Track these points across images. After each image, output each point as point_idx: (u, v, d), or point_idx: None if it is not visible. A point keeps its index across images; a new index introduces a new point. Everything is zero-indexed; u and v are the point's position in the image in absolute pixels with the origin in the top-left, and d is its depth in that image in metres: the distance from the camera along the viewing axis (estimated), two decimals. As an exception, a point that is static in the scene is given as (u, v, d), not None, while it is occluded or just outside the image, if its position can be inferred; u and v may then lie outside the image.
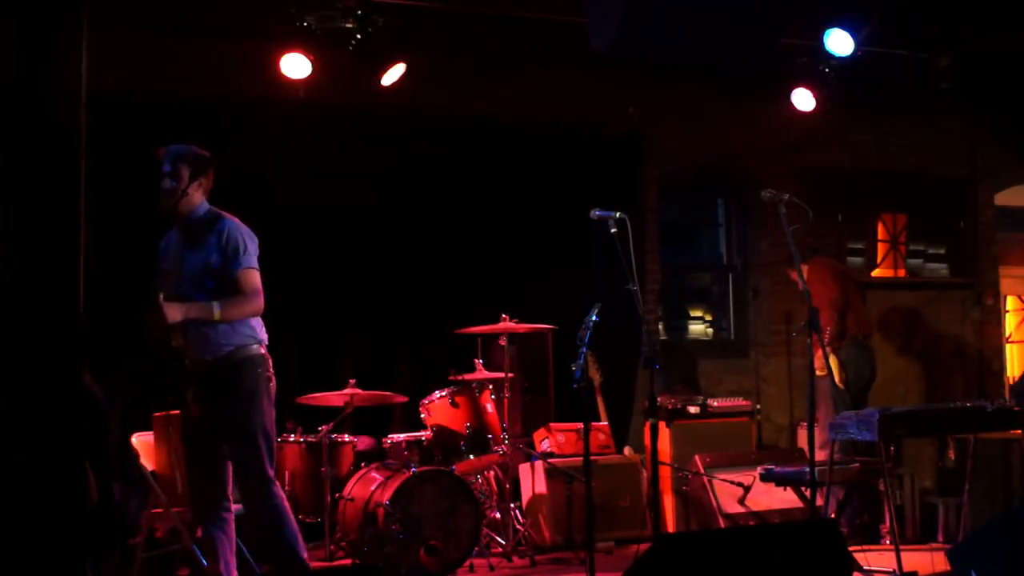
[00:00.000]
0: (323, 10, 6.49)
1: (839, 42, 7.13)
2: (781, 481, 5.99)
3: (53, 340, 3.04)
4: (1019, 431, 6.41)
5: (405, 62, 6.94)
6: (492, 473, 6.76)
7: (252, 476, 4.69)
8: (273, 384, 4.81)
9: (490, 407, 6.50)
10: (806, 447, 5.68)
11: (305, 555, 4.77)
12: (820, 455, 6.13)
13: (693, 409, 7.38)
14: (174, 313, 4.57)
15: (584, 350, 4.97)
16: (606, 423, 7.38)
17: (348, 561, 6.21)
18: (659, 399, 5.97)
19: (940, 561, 5.65)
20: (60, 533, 3.02)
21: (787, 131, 8.38)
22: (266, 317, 4.85)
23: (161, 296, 4.57)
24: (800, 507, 6.33)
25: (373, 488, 6.03)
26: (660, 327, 8.72)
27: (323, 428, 6.30)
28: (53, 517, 3.01)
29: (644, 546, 4.11)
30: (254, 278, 4.74)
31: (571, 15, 6.16)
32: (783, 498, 6.48)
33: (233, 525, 4.82)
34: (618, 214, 5.14)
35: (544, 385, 7.69)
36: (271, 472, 4.72)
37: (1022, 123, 9.17)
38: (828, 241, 8.74)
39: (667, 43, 5.34)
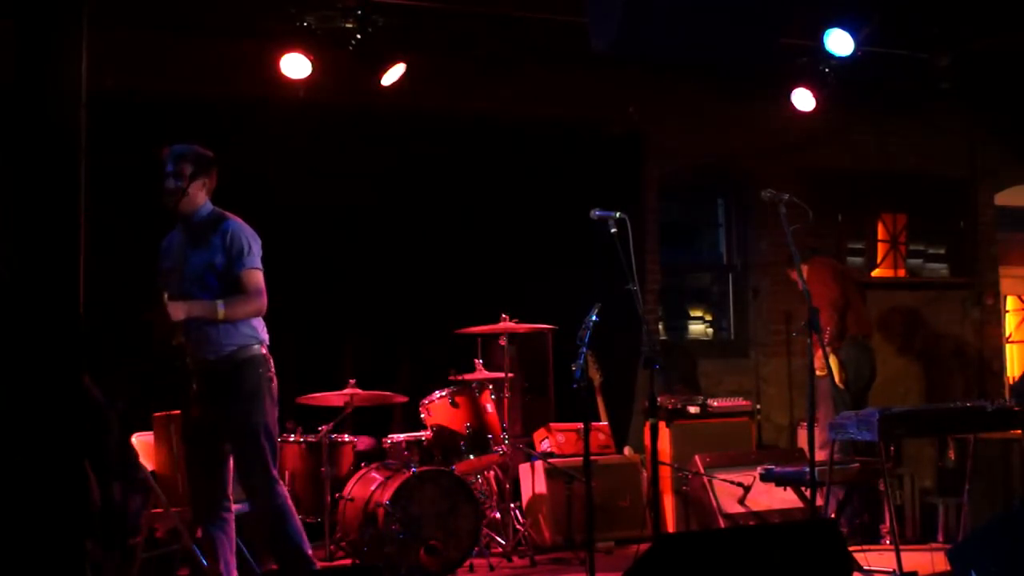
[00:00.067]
0: (323, 10, 6.49)
1: (839, 42, 7.13)
2: (781, 481, 5.99)
3: (53, 340, 3.04)
4: (1019, 431, 6.41)
5: (405, 62, 6.94)
6: (492, 473, 6.76)
7: (257, 476, 4.70)
8: (275, 384, 4.82)
9: (490, 407, 6.50)
10: (806, 447, 5.68)
11: (310, 552, 4.79)
12: (820, 455, 6.12)
13: (693, 409, 7.37)
14: (178, 311, 4.58)
15: (584, 350, 4.97)
16: (606, 423, 7.38)
17: (348, 561, 6.21)
18: (659, 399, 5.97)
19: (940, 561, 5.65)
20: (60, 533, 3.02)
21: (787, 131, 8.38)
22: (266, 317, 4.86)
23: (165, 295, 4.57)
24: (800, 507, 6.32)
25: (373, 488, 6.03)
26: (660, 327, 8.72)
27: (323, 428, 6.30)
28: (53, 517, 3.01)
29: (644, 546, 4.11)
30: (258, 278, 4.75)
31: (571, 15, 6.16)
32: (783, 498, 6.48)
33: (233, 525, 4.83)
34: (618, 214, 5.14)
35: (544, 385, 7.69)
36: (275, 471, 4.74)
37: (1022, 123, 9.17)
38: (828, 241, 8.74)
39: (667, 43, 5.34)
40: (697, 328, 9.21)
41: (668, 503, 7.18)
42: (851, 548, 5.21)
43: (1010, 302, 10.22)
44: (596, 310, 5.00)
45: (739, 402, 7.65)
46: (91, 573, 4.97)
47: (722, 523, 6.71)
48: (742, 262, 9.05)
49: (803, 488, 5.81)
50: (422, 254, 7.41)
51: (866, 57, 7.29)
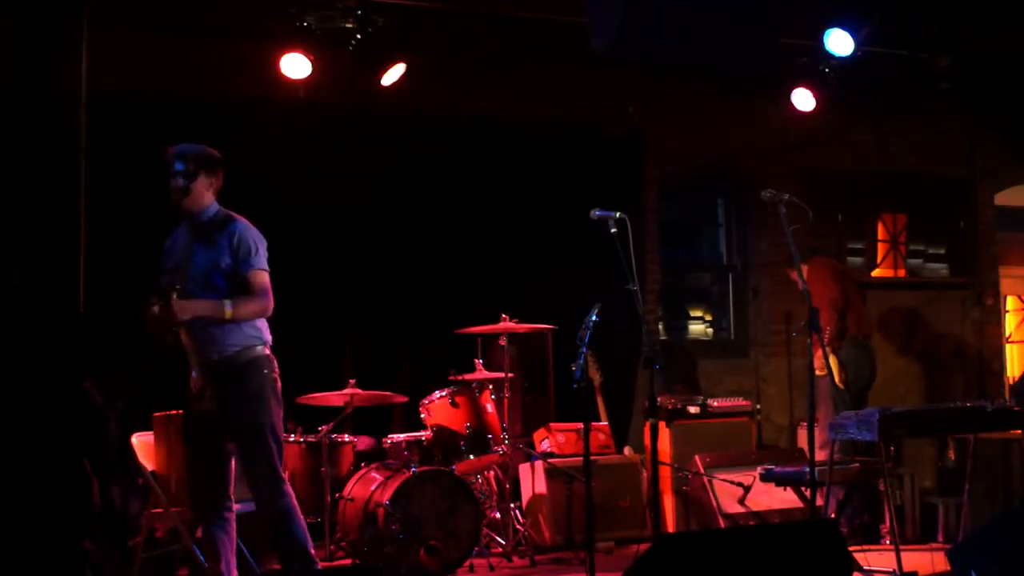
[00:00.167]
0: (323, 10, 6.49)
1: (839, 42, 7.13)
2: (781, 481, 5.99)
3: (53, 340, 3.04)
4: (1019, 431, 6.41)
5: (405, 62, 6.93)
6: (492, 473, 6.76)
7: (263, 476, 4.70)
8: (279, 384, 4.82)
9: (490, 407, 6.50)
10: (806, 447, 5.68)
11: (313, 552, 4.80)
12: (820, 455, 6.12)
13: (693, 409, 7.37)
14: (184, 310, 4.58)
15: (584, 350, 4.97)
16: (606, 423, 7.37)
17: (348, 561, 6.21)
18: (659, 399, 5.97)
19: (940, 561, 5.65)
20: (60, 534, 3.02)
21: (787, 131, 8.38)
22: (268, 317, 4.86)
23: (174, 294, 4.57)
24: (800, 507, 6.32)
25: (373, 488, 6.03)
26: (660, 327, 8.72)
27: (323, 428, 6.30)
28: (53, 518, 3.01)
29: (644, 546, 4.11)
30: (264, 279, 4.77)
31: (571, 15, 6.16)
32: (783, 498, 6.48)
33: (234, 525, 4.83)
34: (618, 214, 5.14)
35: (544, 385, 7.69)
36: (282, 471, 4.75)
37: (1022, 123, 9.17)
38: (828, 241, 8.74)
39: (667, 43, 5.34)
40: (697, 328, 9.21)
41: (668, 503, 7.18)
42: (851, 548, 5.21)
43: (1010, 302, 10.21)
44: (596, 310, 5.00)
45: (739, 402, 7.65)
46: (91, 573, 4.97)
47: (722, 523, 6.71)
48: (742, 262, 9.05)
49: (803, 488, 5.81)
50: (422, 254, 7.40)
51: (866, 57, 7.29)
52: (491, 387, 6.57)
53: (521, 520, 6.75)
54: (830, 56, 7.24)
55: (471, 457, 6.34)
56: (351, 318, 7.28)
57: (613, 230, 5.10)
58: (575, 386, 4.99)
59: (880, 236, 9.47)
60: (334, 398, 6.37)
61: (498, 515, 6.63)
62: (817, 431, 6.15)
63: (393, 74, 6.96)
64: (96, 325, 3.45)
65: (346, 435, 6.53)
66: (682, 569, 3.72)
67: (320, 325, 7.12)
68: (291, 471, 6.30)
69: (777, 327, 8.75)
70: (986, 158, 9.64)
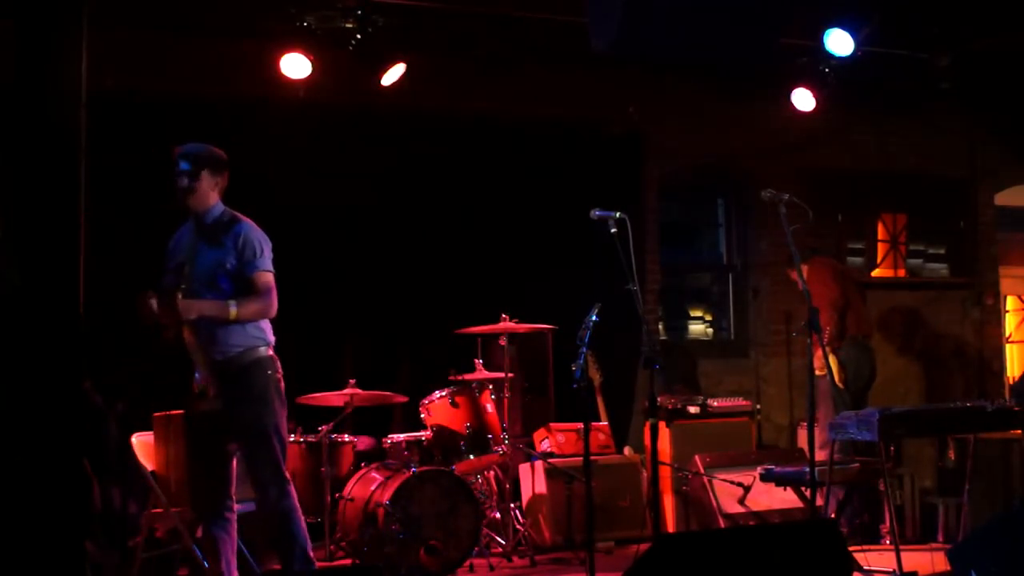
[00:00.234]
0: (323, 10, 6.49)
1: (839, 42, 7.13)
2: (781, 481, 5.99)
3: (53, 340, 3.04)
4: (1019, 431, 6.41)
5: (405, 62, 6.93)
6: (492, 473, 6.76)
7: (268, 476, 4.71)
8: (283, 385, 4.83)
9: (490, 407, 6.50)
10: (806, 447, 5.68)
11: (312, 555, 4.81)
12: (820, 455, 6.12)
13: (693, 409, 7.37)
14: (190, 309, 4.58)
15: (584, 350, 4.98)
16: (606, 423, 7.37)
17: (348, 561, 6.21)
18: (659, 399, 5.96)
19: (940, 561, 5.65)
20: (61, 534, 3.02)
21: (787, 131, 8.38)
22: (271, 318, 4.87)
23: (179, 293, 4.57)
24: (800, 507, 6.32)
25: (373, 488, 6.03)
26: (660, 327, 8.72)
27: (323, 428, 6.30)
28: (53, 518, 3.01)
29: (644, 546, 4.11)
30: (269, 281, 4.78)
31: (571, 15, 6.16)
32: (783, 498, 6.48)
33: (235, 525, 4.84)
34: (618, 214, 5.14)
35: (544, 385, 7.69)
36: (286, 472, 4.76)
37: (1022, 123, 9.17)
38: (828, 241, 8.74)
39: (667, 43, 5.34)
40: (697, 328, 9.21)
41: (668, 503, 7.18)
42: (851, 548, 5.21)
43: (1010, 302, 10.21)
44: (596, 310, 5.00)
45: (739, 402, 7.64)
46: (91, 573, 4.98)
47: (722, 523, 6.70)
48: (742, 262, 9.05)
49: (803, 488, 5.81)
50: (422, 254, 7.40)
51: (866, 57, 7.29)
52: (491, 387, 6.57)
53: (521, 520, 6.75)
54: (830, 56, 7.24)
55: (471, 457, 6.34)
56: (351, 318, 7.28)
57: (613, 230, 5.10)
58: (575, 386, 4.99)
59: (880, 236, 9.47)
60: (334, 398, 6.37)
61: (498, 515, 6.63)
62: (817, 431, 6.15)
63: (393, 74, 6.96)
64: (96, 325, 3.45)
65: (346, 435, 6.53)
66: (682, 569, 3.72)
67: (320, 325, 7.12)
68: (291, 471, 6.24)
69: (777, 327, 8.75)
70: (986, 158, 9.64)
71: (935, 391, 9.18)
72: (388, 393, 6.51)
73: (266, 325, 4.83)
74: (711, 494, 6.83)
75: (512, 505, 6.71)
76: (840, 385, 7.38)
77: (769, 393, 8.68)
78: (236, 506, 4.85)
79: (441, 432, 6.37)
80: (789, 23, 5.91)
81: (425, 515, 5.93)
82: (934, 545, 6.84)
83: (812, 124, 8.14)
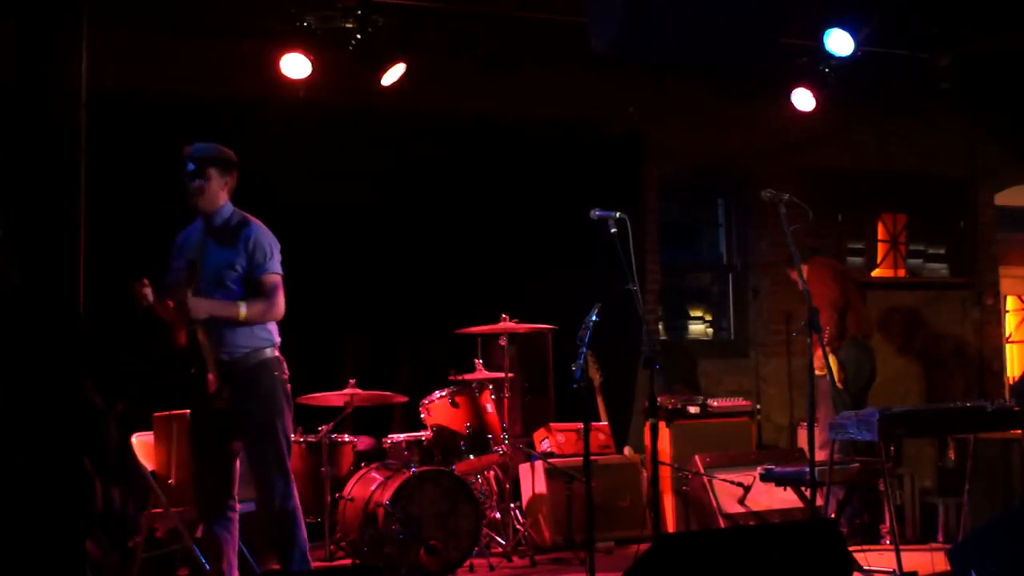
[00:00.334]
0: (323, 10, 6.49)
1: (839, 42, 7.13)
2: (781, 481, 5.99)
3: (53, 341, 3.04)
4: (1019, 431, 6.41)
5: (405, 62, 6.94)
6: (492, 473, 6.76)
7: (275, 477, 4.72)
8: (289, 386, 4.83)
9: (490, 407, 6.50)
10: (806, 447, 5.67)
11: (309, 556, 4.82)
12: (820, 455, 6.12)
13: (693, 409, 7.37)
14: (200, 309, 4.57)
15: (584, 350, 4.97)
16: (606, 423, 7.37)
17: (348, 561, 6.20)
18: (659, 399, 5.96)
19: (940, 561, 5.65)
20: (61, 534, 3.02)
21: (787, 131, 8.38)
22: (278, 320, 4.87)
23: (189, 292, 4.56)
24: (800, 507, 6.32)
25: (373, 488, 6.03)
26: (660, 327, 8.72)
27: (323, 428, 6.30)
28: (53, 518, 3.01)
29: (644, 546, 4.10)
30: (278, 283, 4.79)
31: (571, 15, 6.16)
32: (783, 498, 6.48)
33: (237, 525, 4.84)
34: (618, 214, 5.14)
35: (544, 385, 7.69)
36: (291, 473, 4.76)
37: (1022, 123, 9.17)
38: (828, 241, 8.74)
39: (667, 43, 5.34)
40: (697, 328, 9.21)
41: (668, 503, 7.18)
42: (851, 548, 5.21)
43: (1010, 302, 10.22)
44: (596, 310, 5.00)
45: (739, 402, 7.64)
46: (91, 573, 4.98)
47: (722, 523, 6.70)
48: (742, 262, 9.05)
49: (803, 488, 5.81)
50: (422, 254, 7.40)
51: (866, 57, 7.29)
52: (491, 387, 6.57)
53: (521, 520, 6.75)
54: (830, 56, 7.24)
55: (471, 457, 6.34)
56: (351, 318, 7.28)
57: (613, 230, 5.10)
58: (575, 386, 4.99)
59: (880, 236, 9.47)
60: (334, 398, 6.37)
61: (498, 515, 6.63)
62: (817, 431, 6.15)
63: (393, 74, 6.96)
64: (96, 325, 3.45)
65: (346, 435, 6.53)
66: (682, 569, 3.72)
67: (320, 325, 7.12)
68: (291, 471, 6.29)
69: (777, 327, 8.75)
70: (986, 158, 9.64)
71: (935, 391, 9.18)
72: (388, 393, 6.51)
73: (273, 326, 4.83)
74: (711, 494, 6.83)
75: (512, 505, 6.71)
76: (840, 385, 7.37)
77: (769, 393, 8.68)
78: (238, 506, 4.86)
79: (441, 432, 6.37)
80: (789, 23, 5.91)
81: (425, 515, 5.93)
82: (934, 545, 6.84)
83: (812, 124, 8.14)
